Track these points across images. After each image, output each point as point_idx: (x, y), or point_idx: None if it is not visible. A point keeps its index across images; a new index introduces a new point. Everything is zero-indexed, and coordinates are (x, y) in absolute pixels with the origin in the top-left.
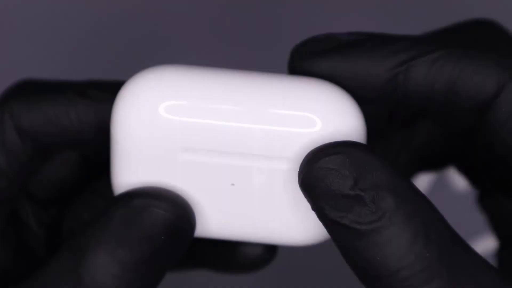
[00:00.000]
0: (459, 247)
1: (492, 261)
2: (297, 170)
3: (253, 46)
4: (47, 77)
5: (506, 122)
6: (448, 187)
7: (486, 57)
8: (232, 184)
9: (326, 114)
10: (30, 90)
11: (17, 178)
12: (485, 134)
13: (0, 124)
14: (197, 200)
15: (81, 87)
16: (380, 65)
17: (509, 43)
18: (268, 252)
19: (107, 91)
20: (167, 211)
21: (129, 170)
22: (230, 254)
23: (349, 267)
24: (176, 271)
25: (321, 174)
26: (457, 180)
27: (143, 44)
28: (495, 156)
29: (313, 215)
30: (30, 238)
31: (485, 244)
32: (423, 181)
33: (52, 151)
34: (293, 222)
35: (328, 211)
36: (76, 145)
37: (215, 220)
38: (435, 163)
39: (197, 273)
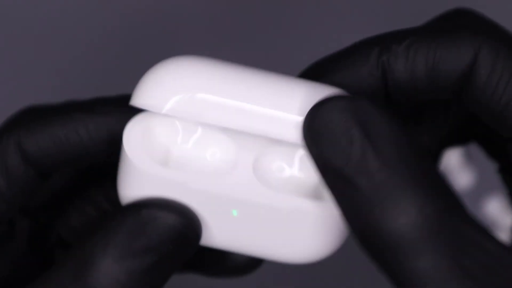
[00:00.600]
0: (461, 210)
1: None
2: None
3: (252, 46)
4: (46, 78)
5: (486, 85)
6: None
7: (457, 33)
8: (235, 210)
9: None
10: (35, 115)
11: (16, 201)
12: (471, 105)
13: (4, 149)
14: (201, 213)
15: (87, 105)
16: (362, 69)
17: (482, 22)
18: (256, 258)
19: (112, 105)
20: (174, 221)
21: (137, 184)
22: (219, 259)
23: (349, 229)
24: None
25: (325, 119)
26: (457, 179)
27: (142, 45)
28: (486, 124)
29: (311, 235)
30: (20, 247)
31: None
32: None
33: (57, 171)
34: (292, 242)
35: (331, 159)
36: (85, 161)
37: (218, 233)
38: (456, 140)
39: (194, 276)
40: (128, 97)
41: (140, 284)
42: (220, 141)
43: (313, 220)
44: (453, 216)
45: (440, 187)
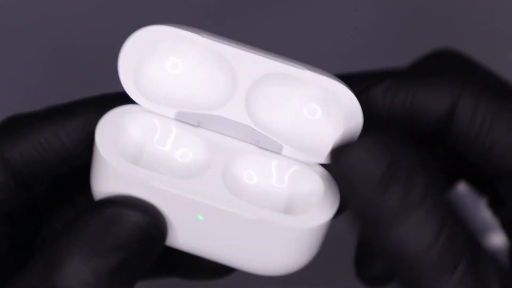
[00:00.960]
0: (475, 239)
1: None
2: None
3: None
4: (38, 76)
5: (469, 129)
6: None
7: (437, 77)
8: (201, 215)
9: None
10: (16, 125)
11: None
12: (456, 146)
13: None
14: (167, 213)
15: (67, 107)
16: None
17: (464, 65)
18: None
19: (91, 105)
20: (139, 219)
21: (107, 179)
22: (193, 262)
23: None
24: (147, 280)
25: (355, 160)
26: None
27: None
28: (471, 163)
29: (278, 249)
30: (3, 252)
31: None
32: None
33: (42, 178)
34: (258, 254)
35: (361, 197)
36: (68, 165)
37: (183, 235)
38: (445, 180)
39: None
40: (108, 96)
41: (109, 285)
42: (192, 143)
43: (281, 234)
44: (472, 243)
45: (455, 217)
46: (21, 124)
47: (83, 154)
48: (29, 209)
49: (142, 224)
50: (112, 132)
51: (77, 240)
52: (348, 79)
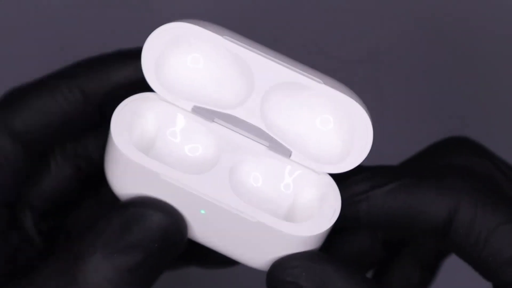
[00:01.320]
0: None
1: None
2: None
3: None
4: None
5: (466, 240)
6: None
7: (438, 184)
8: (203, 211)
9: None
10: (16, 95)
11: (10, 182)
12: (454, 250)
13: None
14: (181, 211)
15: (61, 71)
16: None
17: (466, 164)
18: None
19: (82, 67)
20: (160, 219)
21: (119, 166)
22: (206, 253)
23: None
24: (170, 270)
25: (281, 287)
26: None
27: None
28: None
29: (273, 251)
30: (29, 246)
31: None
32: None
33: (46, 150)
34: (255, 253)
35: None
36: (69, 127)
37: (197, 230)
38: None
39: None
40: (100, 57)
41: (128, 282)
42: (204, 138)
43: (279, 239)
44: None
45: None
46: (21, 93)
47: (81, 118)
48: (51, 205)
49: (163, 225)
50: (128, 118)
51: (100, 237)
52: (357, 174)
